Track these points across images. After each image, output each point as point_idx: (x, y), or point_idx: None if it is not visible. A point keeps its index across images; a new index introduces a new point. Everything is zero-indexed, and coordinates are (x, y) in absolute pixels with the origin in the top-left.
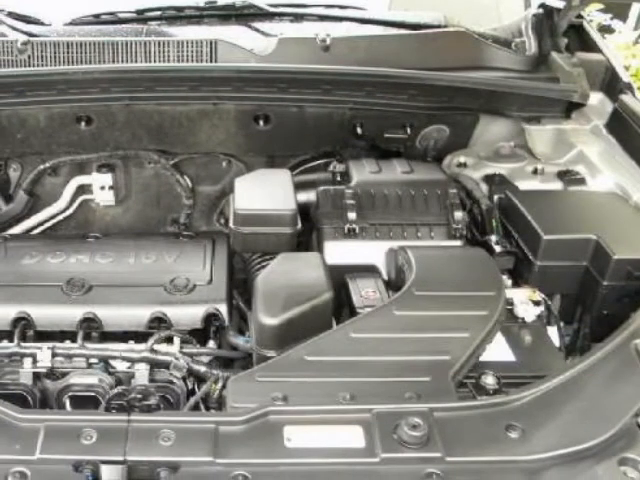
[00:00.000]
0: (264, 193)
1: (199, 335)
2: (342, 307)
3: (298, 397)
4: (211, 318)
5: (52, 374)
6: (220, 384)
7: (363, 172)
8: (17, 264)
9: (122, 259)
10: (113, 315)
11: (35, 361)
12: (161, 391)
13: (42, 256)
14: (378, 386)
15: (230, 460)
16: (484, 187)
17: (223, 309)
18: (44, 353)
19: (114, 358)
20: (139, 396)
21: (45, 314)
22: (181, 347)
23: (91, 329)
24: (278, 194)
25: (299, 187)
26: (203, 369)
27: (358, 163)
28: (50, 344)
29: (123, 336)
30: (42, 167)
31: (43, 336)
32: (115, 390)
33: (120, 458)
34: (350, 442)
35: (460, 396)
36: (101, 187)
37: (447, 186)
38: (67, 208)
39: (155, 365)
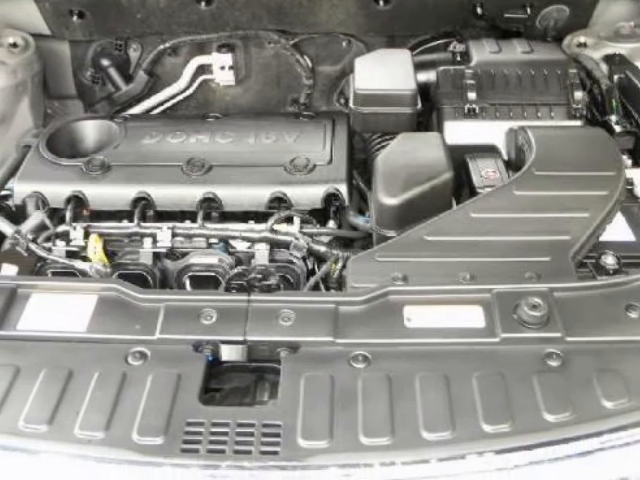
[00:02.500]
0: (384, 73)
1: (319, 215)
2: (462, 187)
3: (418, 277)
4: (331, 198)
5: (172, 254)
6: (340, 264)
7: (483, 52)
8: (137, 144)
9: (242, 139)
10: (233, 195)
11: (155, 241)
12: (281, 271)
13: (162, 136)
14: (498, 266)
15: (350, 340)
16: (604, 67)
17: (343, 189)
18: (164, 233)
19: (234, 238)
20: (259, 276)
21: (165, 194)
22: (301, 227)
23: (211, 209)
24: (398, 74)
25: (419, 67)
26: (323, 249)
27: (478, 43)
28: (170, 224)
29: (243, 216)
30: (162, 47)
31: (163, 216)
32: (235, 270)
33: (240, 338)
34: (470, 322)
35: (580, 276)
36: (221, 67)
37: (567, 66)
38: (187, 88)
39: (275, 245)
